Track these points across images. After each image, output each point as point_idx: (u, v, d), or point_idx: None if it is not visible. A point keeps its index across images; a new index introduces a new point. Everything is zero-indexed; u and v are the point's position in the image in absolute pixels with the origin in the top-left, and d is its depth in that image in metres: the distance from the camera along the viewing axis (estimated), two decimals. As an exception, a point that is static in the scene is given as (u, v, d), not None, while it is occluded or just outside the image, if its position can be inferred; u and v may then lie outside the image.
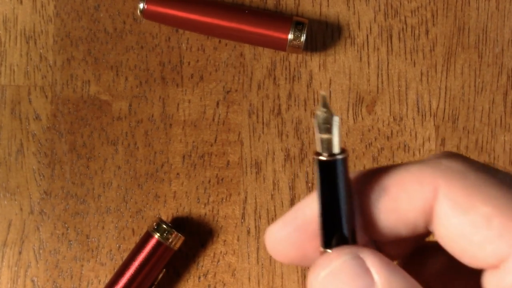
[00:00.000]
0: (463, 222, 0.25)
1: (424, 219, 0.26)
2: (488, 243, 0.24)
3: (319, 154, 0.26)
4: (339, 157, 0.25)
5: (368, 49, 0.50)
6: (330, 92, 0.50)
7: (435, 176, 0.25)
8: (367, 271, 0.25)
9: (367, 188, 0.26)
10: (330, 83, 0.50)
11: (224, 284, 0.50)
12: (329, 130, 0.25)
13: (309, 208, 0.26)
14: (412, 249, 0.29)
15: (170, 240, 0.48)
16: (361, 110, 0.50)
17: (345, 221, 0.26)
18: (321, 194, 0.26)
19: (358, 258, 0.25)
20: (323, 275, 0.25)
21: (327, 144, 0.25)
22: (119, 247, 0.50)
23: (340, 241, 0.26)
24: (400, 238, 0.27)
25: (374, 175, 0.26)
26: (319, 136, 0.26)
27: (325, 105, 0.26)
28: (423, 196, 0.25)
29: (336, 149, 0.25)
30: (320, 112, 0.26)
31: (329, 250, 0.25)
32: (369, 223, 0.26)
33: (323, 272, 0.25)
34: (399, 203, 0.26)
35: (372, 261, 0.25)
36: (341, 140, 0.26)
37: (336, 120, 0.25)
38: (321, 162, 0.25)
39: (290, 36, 0.48)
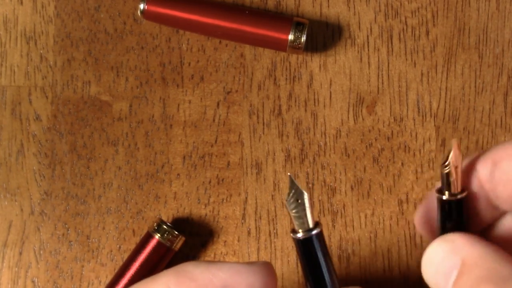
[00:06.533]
0: None
1: None
2: None
3: (295, 231, 0.30)
4: (314, 232, 0.30)
5: (368, 50, 0.50)
6: (330, 92, 0.50)
7: None
8: (453, 251, 0.27)
9: (480, 168, 0.29)
10: (330, 84, 0.50)
11: (225, 285, 0.50)
12: (301, 207, 0.29)
13: (429, 200, 0.33)
14: None
15: (170, 241, 0.48)
16: (361, 111, 0.50)
17: (328, 280, 0.30)
18: (304, 265, 0.30)
19: (447, 241, 0.28)
20: (424, 259, 0.29)
21: (301, 220, 0.30)
22: (120, 247, 0.50)
23: None
24: None
25: (482, 158, 0.29)
26: (292, 215, 0.29)
27: (293, 183, 0.29)
28: None
29: (310, 224, 0.30)
30: (290, 193, 0.29)
31: None
32: (488, 202, 0.30)
33: (424, 257, 0.29)
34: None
35: (461, 241, 0.27)
36: (313, 215, 0.30)
37: (305, 197, 0.29)
38: (298, 240, 0.30)
39: (291, 37, 0.48)
